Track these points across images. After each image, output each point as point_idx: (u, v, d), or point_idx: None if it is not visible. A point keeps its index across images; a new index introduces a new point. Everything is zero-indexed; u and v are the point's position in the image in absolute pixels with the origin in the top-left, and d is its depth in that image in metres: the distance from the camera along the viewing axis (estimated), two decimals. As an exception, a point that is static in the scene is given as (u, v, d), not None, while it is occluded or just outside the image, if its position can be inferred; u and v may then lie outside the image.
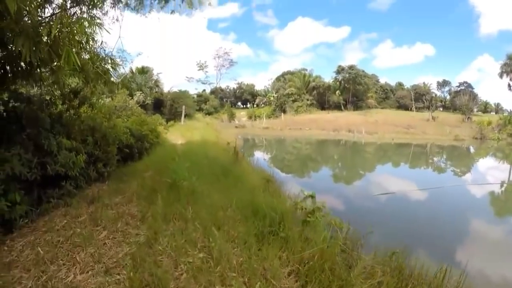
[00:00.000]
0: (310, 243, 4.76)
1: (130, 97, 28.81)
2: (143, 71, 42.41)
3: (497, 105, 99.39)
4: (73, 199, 6.74)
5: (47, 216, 5.64)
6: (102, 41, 7.98)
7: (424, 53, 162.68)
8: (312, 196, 11.17)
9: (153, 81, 42.93)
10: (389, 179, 17.81)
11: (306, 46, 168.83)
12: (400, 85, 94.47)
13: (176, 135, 24.79)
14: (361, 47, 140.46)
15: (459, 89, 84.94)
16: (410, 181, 17.39)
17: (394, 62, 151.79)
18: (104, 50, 8.11)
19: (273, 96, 70.05)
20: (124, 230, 5.07)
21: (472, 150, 39.80)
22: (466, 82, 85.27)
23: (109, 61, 8.39)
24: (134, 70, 40.95)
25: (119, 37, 9.54)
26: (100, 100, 10.89)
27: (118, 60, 8.76)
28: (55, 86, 7.90)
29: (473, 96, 70.29)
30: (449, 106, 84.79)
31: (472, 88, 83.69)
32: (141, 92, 30.13)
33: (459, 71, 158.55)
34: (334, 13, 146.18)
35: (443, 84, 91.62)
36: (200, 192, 6.60)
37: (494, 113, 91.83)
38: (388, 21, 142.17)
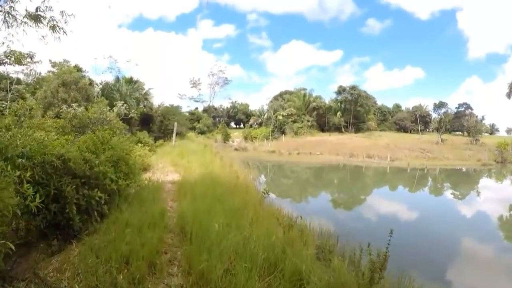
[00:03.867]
0: None
1: (110, 109, 21.80)
2: (131, 81, 35.22)
3: (492, 125, 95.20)
4: None
5: None
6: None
7: (414, 76, 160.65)
8: None
9: (142, 93, 35.66)
10: None
11: (298, 68, 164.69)
12: (397, 106, 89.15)
13: (166, 161, 17.49)
14: (352, 70, 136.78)
15: (457, 110, 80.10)
16: None
17: (385, 85, 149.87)
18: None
19: (282, 115, 62.59)
20: None
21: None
22: (465, 103, 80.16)
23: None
24: (120, 79, 33.93)
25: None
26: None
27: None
28: None
29: (481, 118, 65.02)
30: (436, 128, 79.75)
31: (472, 109, 78.71)
32: (123, 102, 22.93)
33: (449, 94, 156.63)
34: (327, 37, 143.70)
35: (439, 105, 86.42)
36: None
37: (488, 134, 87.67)
38: (380, 45, 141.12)
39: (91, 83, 28.93)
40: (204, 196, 7.52)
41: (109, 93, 29.14)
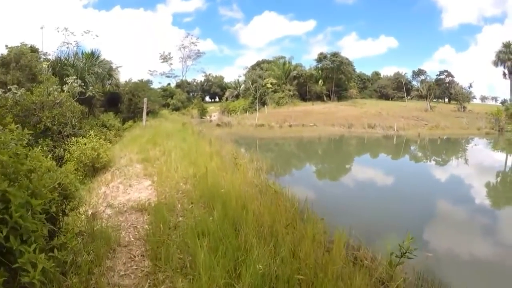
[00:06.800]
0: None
1: (60, 88, 16.48)
2: (92, 55, 28.75)
3: (469, 93, 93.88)
4: None
5: None
6: None
7: (387, 45, 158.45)
8: None
9: (106, 69, 29.29)
10: None
11: (271, 39, 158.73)
12: (376, 74, 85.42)
13: (133, 152, 12.50)
14: (325, 40, 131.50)
15: (438, 77, 77.35)
16: None
17: (358, 53, 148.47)
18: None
19: (271, 83, 57.02)
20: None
21: None
22: (446, 71, 77.17)
23: None
24: (79, 54, 27.40)
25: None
26: None
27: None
28: None
29: (468, 85, 62.66)
30: (425, 95, 77.41)
31: (453, 77, 76.06)
32: (75, 77, 17.41)
33: (421, 62, 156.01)
34: (300, 7, 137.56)
35: (418, 73, 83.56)
36: None
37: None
38: (354, 15, 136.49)
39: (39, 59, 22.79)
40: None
41: (62, 69, 23.13)
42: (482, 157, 23.29)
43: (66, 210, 4.63)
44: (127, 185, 7.81)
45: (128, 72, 79.18)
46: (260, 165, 11.25)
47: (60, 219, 4.76)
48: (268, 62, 69.87)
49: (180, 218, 5.01)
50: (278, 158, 19.54)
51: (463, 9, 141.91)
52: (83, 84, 18.47)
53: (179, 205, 5.65)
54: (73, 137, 11.56)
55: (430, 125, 36.55)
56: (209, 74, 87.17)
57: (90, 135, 11.28)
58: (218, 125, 39.87)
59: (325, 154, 24.24)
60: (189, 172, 8.19)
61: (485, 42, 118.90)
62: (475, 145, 30.50)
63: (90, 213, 5.88)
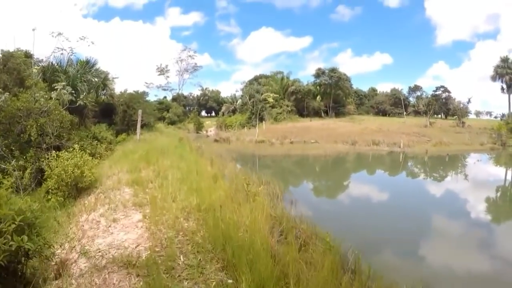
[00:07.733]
0: None
1: (47, 95, 14.82)
2: (87, 63, 26.99)
3: (467, 108, 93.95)
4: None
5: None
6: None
7: (382, 62, 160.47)
8: None
9: (101, 78, 27.40)
10: None
11: (267, 55, 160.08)
12: (373, 90, 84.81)
13: (123, 169, 10.67)
14: (321, 56, 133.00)
15: (434, 93, 76.82)
16: None
17: (354, 70, 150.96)
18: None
19: (272, 97, 55.02)
20: None
21: None
22: (442, 87, 76.68)
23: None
24: (73, 60, 25.64)
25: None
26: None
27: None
28: None
29: (467, 101, 61.70)
30: (421, 111, 76.63)
31: (449, 92, 75.50)
32: (64, 84, 15.74)
33: (416, 78, 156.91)
34: (297, 24, 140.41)
35: (414, 89, 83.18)
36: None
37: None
38: (349, 32, 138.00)
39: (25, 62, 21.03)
40: None
41: (53, 75, 21.38)
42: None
43: (29, 253, 3.51)
44: (111, 220, 6.01)
45: (125, 83, 77.99)
46: (273, 189, 9.59)
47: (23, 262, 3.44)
48: (266, 77, 68.81)
49: (186, 283, 3.32)
50: (288, 179, 17.33)
51: (457, 26, 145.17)
52: (73, 92, 16.81)
53: (181, 257, 3.96)
54: (55, 150, 9.96)
55: (433, 141, 35.15)
56: (206, 89, 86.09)
57: (74, 149, 9.58)
58: (216, 140, 37.93)
59: (342, 175, 21.28)
60: (191, 202, 6.51)
61: (478, 58, 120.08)
62: (478, 160, 29.09)
63: (59, 258, 4.21)
